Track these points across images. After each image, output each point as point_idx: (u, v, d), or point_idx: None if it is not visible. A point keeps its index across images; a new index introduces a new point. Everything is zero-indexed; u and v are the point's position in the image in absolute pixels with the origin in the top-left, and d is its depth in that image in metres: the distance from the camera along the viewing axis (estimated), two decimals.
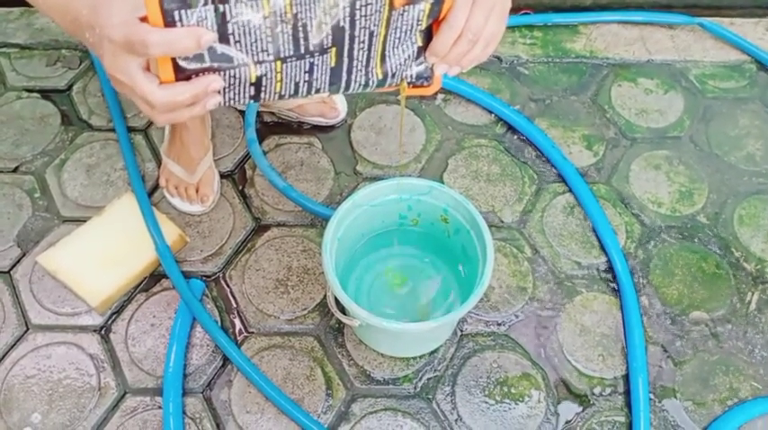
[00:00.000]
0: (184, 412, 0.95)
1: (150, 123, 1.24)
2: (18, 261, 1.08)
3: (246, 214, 1.14)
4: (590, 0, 1.43)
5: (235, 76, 0.59)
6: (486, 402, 0.97)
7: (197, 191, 1.12)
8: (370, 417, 0.96)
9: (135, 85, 0.56)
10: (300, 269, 1.08)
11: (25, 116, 1.25)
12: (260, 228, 1.13)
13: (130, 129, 1.22)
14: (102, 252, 1.04)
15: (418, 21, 0.62)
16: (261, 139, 1.22)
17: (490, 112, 1.27)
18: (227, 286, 1.07)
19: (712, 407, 0.97)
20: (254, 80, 0.60)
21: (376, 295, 1.02)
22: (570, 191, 1.17)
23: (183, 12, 0.53)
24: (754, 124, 1.28)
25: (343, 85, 0.65)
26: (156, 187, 1.16)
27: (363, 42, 0.61)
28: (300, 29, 0.58)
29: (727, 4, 1.42)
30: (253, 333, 1.03)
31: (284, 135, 1.23)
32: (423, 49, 0.65)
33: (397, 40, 0.63)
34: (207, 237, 1.11)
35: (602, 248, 1.11)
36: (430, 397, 0.98)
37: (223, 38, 0.56)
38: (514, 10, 1.42)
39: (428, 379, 0.99)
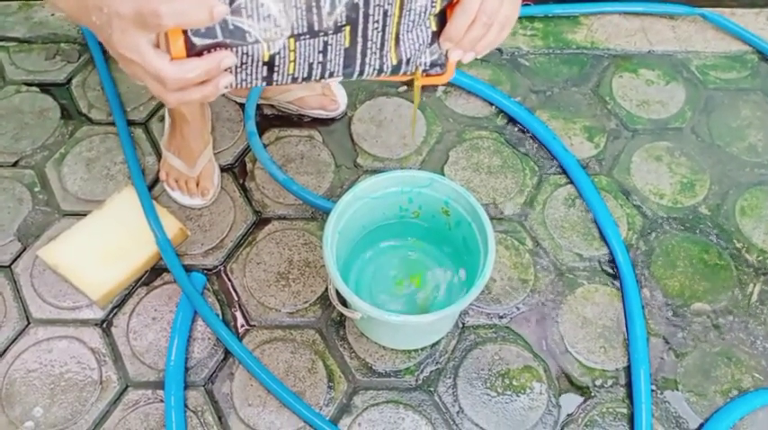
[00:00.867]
0: (186, 405, 0.95)
1: (150, 116, 1.23)
2: (19, 255, 1.08)
3: (247, 207, 1.14)
4: None
5: (247, 54, 0.58)
6: (488, 394, 0.97)
7: (197, 184, 1.11)
8: (371, 410, 0.96)
9: (145, 62, 0.54)
10: (301, 262, 1.08)
11: (24, 110, 1.25)
12: (261, 222, 1.12)
13: (130, 123, 1.22)
14: (102, 246, 1.04)
15: (432, 3, 0.61)
16: (261, 132, 1.21)
17: (491, 104, 1.27)
18: (229, 279, 1.07)
19: (714, 398, 0.98)
20: (266, 59, 0.59)
21: (377, 287, 1.02)
22: (571, 182, 1.17)
23: None
24: (755, 115, 1.27)
25: (357, 68, 0.64)
26: (156, 181, 1.16)
27: (378, 22, 0.61)
28: (314, 3, 0.56)
29: None
30: (254, 326, 1.03)
31: (284, 128, 1.23)
32: (437, 35, 0.64)
33: (411, 23, 0.62)
34: (208, 230, 1.11)
35: (604, 240, 1.10)
36: (432, 389, 0.98)
37: (236, 12, 0.55)
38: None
39: (430, 371, 0.99)
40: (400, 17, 0.61)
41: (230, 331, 1.00)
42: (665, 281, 1.07)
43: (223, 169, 1.18)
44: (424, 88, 1.28)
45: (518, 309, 1.05)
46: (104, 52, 1.30)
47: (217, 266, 1.08)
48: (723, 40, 1.38)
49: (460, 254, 1.00)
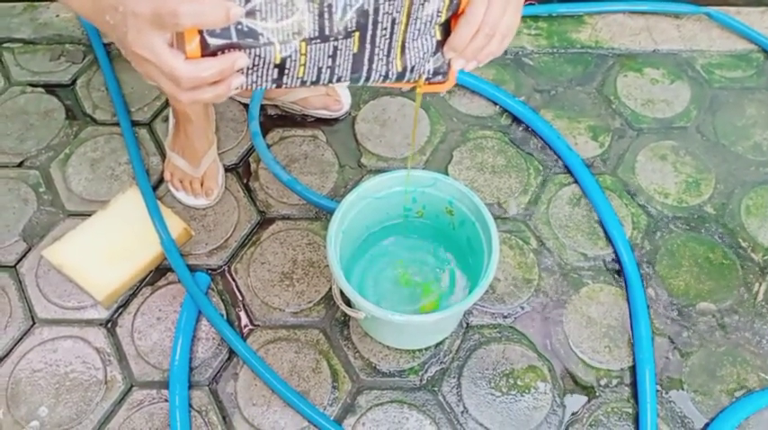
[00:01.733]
0: (191, 405, 0.96)
1: (154, 117, 1.24)
2: (24, 255, 1.09)
3: (251, 207, 1.14)
4: None
5: (260, 56, 0.59)
6: (493, 394, 0.97)
7: (201, 184, 1.12)
8: (376, 409, 0.96)
9: (160, 61, 0.55)
10: (305, 262, 1.08)
11: (30, 111, 1.25)
12: (265, 222, 1.12)
13: (134, 123, 1.22)
14: (107, 246, 1.05)
15: (438, 12, 0.63)
16: (265, 133, 1.21)
17: (495, 104, 1.26)
18: (233, 279, 1.07)
19: (719, 398, 0.97)
20: (278, 61, 0.60)
21: (381, 287, 1.02)
22: (576, 182, 1.17)
23: None
24: (761, 114, 1.26)
25: (364, 74, 0.65)
26: (160, 181, 1.16)
27: (386, 30, 0.62)
28: (326, 9, 0.58)
29: None
30: (258, 326, 1.03)
31: (288, 128, 1.23)
32: (441, 44, 0.66)
33: (417, 32, 0.64)
34: (212, 230, 1.11)
35: (609, 240, 1.10)
36: (436, 389, 0.98)
37: (250, 13, 0.56)
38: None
39: (434, 371, 0.99)
40: (407, 25, 0.63)
41: (234, 331, 1.00)
42: (671, 280, 1.07)
43: (227, 169, 1.18)
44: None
45: (522, 308, 1.04)
46: (109, 53, 1.31)
47: (221, 266, 1.08)
48: (728, 38, 1.37)
49: (465, 253, 1.00)
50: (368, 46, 0.62)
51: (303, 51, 0.60)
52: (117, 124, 1.22)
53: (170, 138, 1.15)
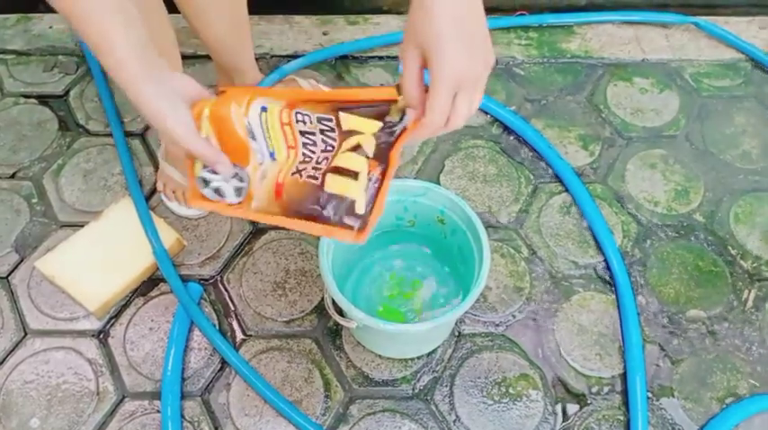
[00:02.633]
0: (183, 416, 0.96)
1: (147, 128, 1.24)
2: (16, 266, 1.09)
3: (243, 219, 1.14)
4: (585, 0, 1.44)
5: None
6: (485, 402, 0.97)
7: None
8: (368, 419, 0.96)
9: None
10: (298, 272, 1.08)
11: (23, 122, 1.26)
12: (257, 232, 1.13)
13: (127, 134, 1.23)
14: (99, 256, 1.05)
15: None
16: None
17: (486, 113, 1.27)
18: (225, 289, 1.07)
19: (710, 405, 0.98)
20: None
21: (373, 296, 1.02)
22: (566, 190, 1.18)
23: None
24: (749, 122, 1.28)
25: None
26: (153, 191, 1.16)
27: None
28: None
29: (720, 2, 1.43)
30: (251, 336, 1.03)
31: None
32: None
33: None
34: (204, 240, 1.11)
35: (599, 248, 1.11)
36: (428, 398, 0.98)
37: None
38: (510, 11, 1.42)
39: (426, 380, 0.99)
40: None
41: (227, 341, 1.00)
42: (661, 288, 1.08)
43: None
44: None
45: (514, 316, 1.05)
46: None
47: (213, 276, 1.08)
48: (716, 48, 1.39)
49: (456, 262, 1.00)
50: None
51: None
52: (110, 135, 1.23)
53: (163, 148, 1.15)
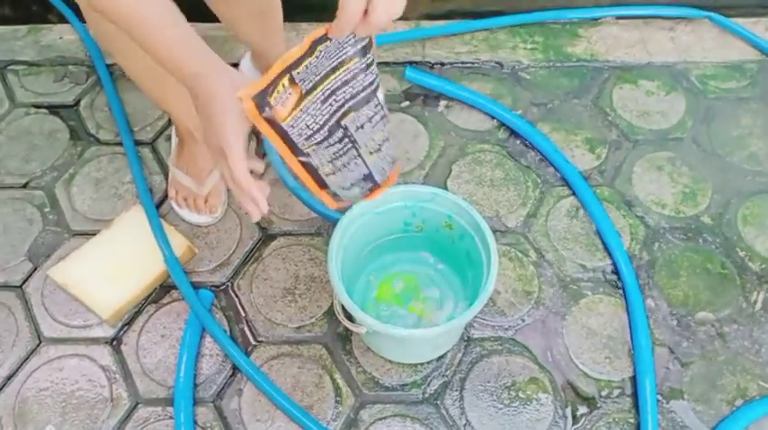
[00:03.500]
0: (195, 422, 0.96)
1: (157, 136, 1.25)
2: (30, 275, 1.10)
3: (253, 224, 1.15)
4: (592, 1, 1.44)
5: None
6: (495, 406, 0.98)
7: (206, 202, 1.13)
8: (378, 424, 0.97)
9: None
10: (307, 277, 1.09)
11: (34, 132, 1.27)
12: (267, 238, 1.14)
13: (138, 143, 1.24)
14: (112, 264, 1.06)
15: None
16: (265, 151, 1.23)
17: (492, 118, 1.28)
18: (236, 296, 1.08)
19: (720, 407, 0.98)
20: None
21: (382, 302, 1.03)
22: (574, 194, 1.18)
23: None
24: (756, 124, 1.28)
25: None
26: (163, 199, 1.17)
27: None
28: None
29: (726, 3, 1.42)
30: (261, 342, 1.04)
31: None
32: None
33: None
34: (215, 247, 1.12)
35: (607, 251, 1.11)
36: (438, 402, 0.98)
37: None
38: (511, 11, 1.43)
39: (436, 384, 1.00)
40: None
41: (238, 347, 1.01)
42: (669, 290, 1.08)
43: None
44: (425, 104, 1.30)
45: (523, 320, 1.05)
46: (111, 74, 1.33)
47: (224, 283, 1.09)
48: (722, 49, 1.39)
49: (464, 267, 1.01)
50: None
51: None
52: (120, 144, 1.24)
53: (174, 155, 1.16)
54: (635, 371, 1.00)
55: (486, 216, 1.13)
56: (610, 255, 1.11)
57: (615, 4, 1.43)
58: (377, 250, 1.04)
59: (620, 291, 1.07)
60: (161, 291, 1.08)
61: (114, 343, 1.04)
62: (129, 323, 1.05)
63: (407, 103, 1.31)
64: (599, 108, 1.30)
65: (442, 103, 1.31)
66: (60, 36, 1.41)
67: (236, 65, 1.27)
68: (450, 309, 1.02)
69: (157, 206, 1.16)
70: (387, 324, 0.84)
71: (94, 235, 1.10)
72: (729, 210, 1.16)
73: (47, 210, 1.17)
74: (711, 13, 1.40)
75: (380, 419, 0.97)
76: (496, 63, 1.37)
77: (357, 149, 0.77)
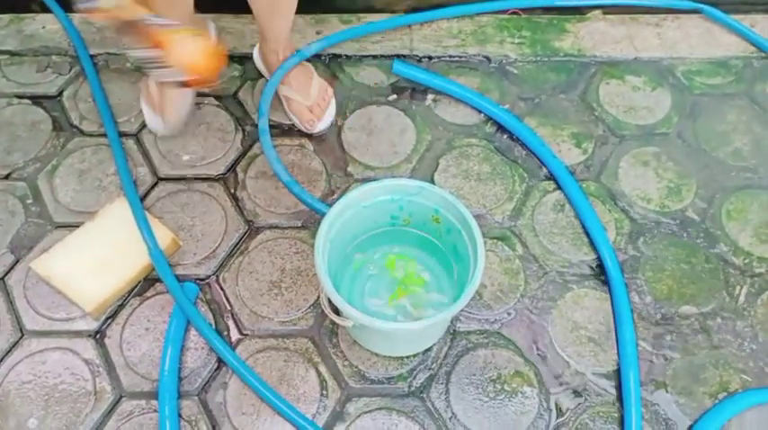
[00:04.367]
0: (180, 415, 0.96)
1: (141, 128, 1.24)
2: (12, 267, 1.09)
3: (239, 217, 1.14)
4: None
5: None
6: (480, 399, 0.98)
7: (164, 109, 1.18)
8: (364, 417, 0.97)
9: None
10: (294, 271, 1.09)
11: (16, 123, 1.26)
12: (252, 231, 1.13)
13: (121, 134, 1.23)
14: (95, 257, 1.05)
15: None
16: (252, 142, 1.22)
17: (480, 112, 1.28)
18: (221, 289, 1.07)
19: (703, 400, 0.99)
20: None
21: (368, 295, 1.03)
22: (560, 188, 1.18)
23: None
24: (741, 119, 1.29)
25: None
26: (148, 192, 1.16)
27: None
28: None
29: (714, 0, 1.43)
30: (247, 335, 1.03)
31: (276, 137, 1.24)
32: None
33: None
34: (200, 240, 1.12)
35: (593, 245, 1.12)
36: (424, 395, 0.99)
37: None
38: (502, 11, 1.43)
39: (422, 377, 1.00)
40: None
41: (223, 340, 1.00)
42: (654, 284, 1.09)
43: (214, 179, 1.18)
44: (412, 98, 1.30)
45: (509, 314, 1.06)
46: (95, 64, 1.31)
47: (209, 276, 1.09)
48: (708, 46, 1.40)
49: (451, 261, 1.01)
50: None
51: None
52: (104, 135, 1.23)
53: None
54: (619, 364, 1.01)
55: (472, 210, 1.13)
56: (595, 249, 1.11)
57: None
58: (364, 243, 1.04)
59: (606, 285, 1.08)
60: (145, 284, 1.07)
61: (98, 336, 1.03)
62: (113, 316, 1.04)
63: (395, 96, 1.30)
64: (586, 103, 1.31)
65: (430, 96, 1.30)
66: (43, 26, 1.39)
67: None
68: (437, 303, 1.02)
69: (142, 198, 1.15)
70: (373, 317, 0.84)
71: (78, 227, 1.09)
72: (714, 205, 1.17)
73: (29, 201, 1.16)
74: (703, 5, 1.40)
75: (366, 412, 0.97)
76: (484, 57, 1.36)
77: None
